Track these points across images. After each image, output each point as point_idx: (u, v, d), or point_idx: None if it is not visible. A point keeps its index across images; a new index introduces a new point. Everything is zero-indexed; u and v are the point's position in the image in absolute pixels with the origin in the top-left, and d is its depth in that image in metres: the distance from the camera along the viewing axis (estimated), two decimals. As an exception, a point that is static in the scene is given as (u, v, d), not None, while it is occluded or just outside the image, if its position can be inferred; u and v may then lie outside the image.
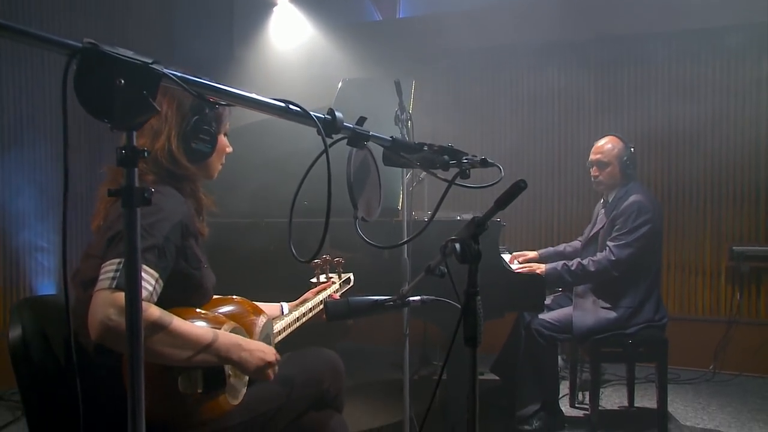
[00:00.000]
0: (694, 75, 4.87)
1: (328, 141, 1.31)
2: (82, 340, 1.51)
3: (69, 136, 1.07)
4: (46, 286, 4.29)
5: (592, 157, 3.65)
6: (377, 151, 1.52)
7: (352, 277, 2.45)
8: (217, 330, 1.55)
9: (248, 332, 1.71)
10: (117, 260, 1.41)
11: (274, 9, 5.77)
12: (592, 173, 3.66)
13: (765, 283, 4.69)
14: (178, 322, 1.44)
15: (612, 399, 4.10)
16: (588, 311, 3.42)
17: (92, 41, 1.04)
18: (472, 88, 5.54)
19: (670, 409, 3.73)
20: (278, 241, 3.27)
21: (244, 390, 1.68)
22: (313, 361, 1.97)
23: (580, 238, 3.99)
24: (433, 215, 1.48)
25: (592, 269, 3.38)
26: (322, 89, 5.04)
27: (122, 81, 1.07)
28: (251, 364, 1.61)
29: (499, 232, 3.32)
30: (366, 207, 1.56)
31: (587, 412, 3.65)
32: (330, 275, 2.36)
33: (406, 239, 2.82)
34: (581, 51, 5.15)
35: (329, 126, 1.30)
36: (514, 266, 3.60)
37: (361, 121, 1.36)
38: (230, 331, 1.61)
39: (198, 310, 1.63)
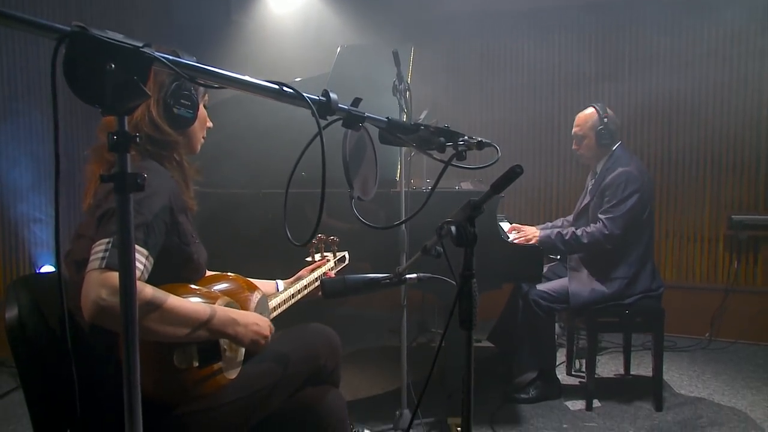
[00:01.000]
0: (695, 43, 4.79)
1: (324, 123, 1.30)
2: (78, 320, 1.51)
3: (62, 103, 1.04)
4: (45, 256, 4.29)
5: (573, 130, 3.65)
6: (373, 128, 1.50)
7: (347, 256, 2.45)
8: (212, 305, 1.56)
9: (243, 308, 1.72)
10: (107, 240, 1.40)
11: (272, -27, 5.67)
12: (573, 146, 3.69)
13: (762, 252, 4.70)
14: (171, 300, 1.44)
15: (608, 367, 4.14)
16: (584, 284, 3.43)
17: (81, 24, 1.02)
18: (471, 54, 5.47)
19: (665, 377, 3.78)
20: (275, 212, 3.26)
21: (240, 365, 1.69)
22: (309, 336, 1.98)
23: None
24: (429, 196, 1.47)
25: (585, 241, 3.38)
26: (319, 54, 4.99)
27: (112, 65, 1.04)
28: (247, 338, 1.62)
29: (498, 203, 3.31)
30: (362, 186, 1.55)
31: (584, 380, 3.70)
32: (325, 254, 2.36)
33: (402, 218, 2.82)
34: (581, 17, 5.06)
35: (324, 108, 1.28)
36: (511, 235, 3.61)
37: (357, 102, 1.34)
38: (224, 306, 1.62)
39: (192, 286, 1.63)
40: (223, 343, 1.61)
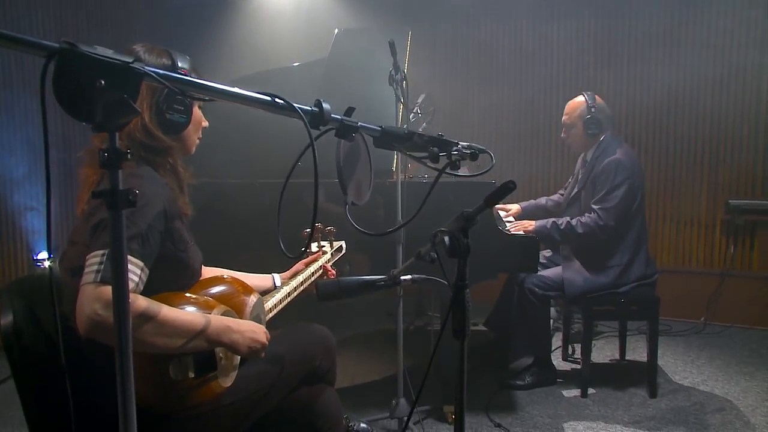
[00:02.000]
0: (694, 31, 4.75)
1: (316, 133, 1.29)
2: (73, 325, 1.51)
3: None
4: (42, 243, 4.29)
5: (562, 118, 3.67)
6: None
7: (344, 245, 2.44)
8: (207, 314, 1.56)
9: (239, 313, 1.72)
10: (101, 252, 1.40)
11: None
12: (562, 134, 3.71)
13: (759, 237, 4.71)
14: (166, 311, 1.44)
15: (604, 352, 4.17)
16: (578, 273, 3.45)
17: (70, 41, 1.00)
18: (469, 37, 5.42)
19: (660, 362, 3.81)
20: (272, 202, 3.26)
21: (236, 372, 1.70)
22: (304, 337, 1.99)
23: (561, 191, 4.00)
24: (423, 202, 1.47)
25: (580, 231, 3.39)
26: (314, 35, 4.96)
27: (102, 82, 1.03)
28: (243, 346, 1.62)
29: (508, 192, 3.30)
30: (356, 190, 1.54)
31: (579, 367, 3.72)
32: (322, 243, 2.35)
33: (398, 225, 2.82)
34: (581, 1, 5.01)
35: (317, 118, 1.27)
36: (507, 223, 3.62)
37: (350, 111, 1.33)
38: (221, 314, 1.62)
39: (187, 294, 1.63)
40: (219, 351, 1.61)
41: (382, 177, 3.15)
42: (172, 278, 1.63)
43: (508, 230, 3.46)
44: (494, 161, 1.46)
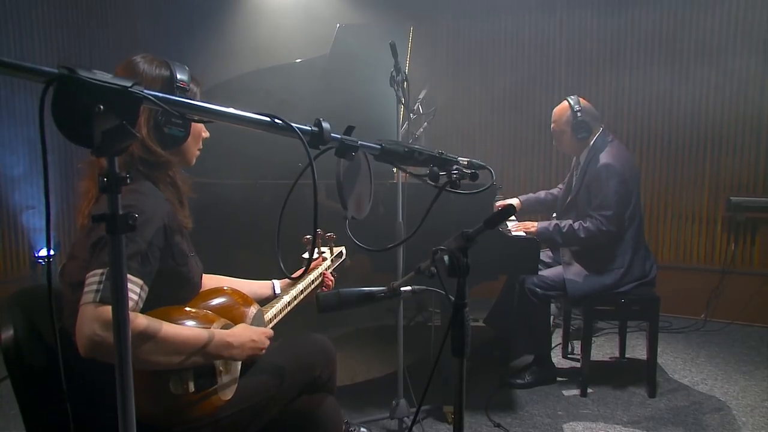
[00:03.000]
0: (698, 26, 4.72)
1: (315, 152, 1.29)
2: (73, 339, 1.52)
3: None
4: (43, 239, 4.30)
5: (551, 126, 3.68)
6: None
7: (344, 251, 2.43)
8: (207, 329, 1.56)
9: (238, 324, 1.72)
10: (100, 271, 1.40)
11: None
12: (554, 142, 3.73)
13: (760, 234, 4.70)
14: (165, 329, 1.45)
15: (604, 349, 4.18)
16: (580, 276, 3.45)
17: (69, 66, 1.00)
18: (471, 30, 5.39)
19: (660, 360, 3.82)
20: (272, 203, 3.26)
21: (236, 385, 1.71)
22: (304, 347, 2.00)
23: (560, 185, 3.99)
24: (423, 219, 1.47)
25: (582, 235, 3.40)
26: (314, 30, 4.93)
27: (101, 107, 1.03)
28: (243, 356, 1.64)
29: (495, 195, 3.30)
30: (356, 204, 1.54)
31: (579, 364, 3.73)
32: (322, 249, 2.34)
33: (399, 241, 2.82)
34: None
35: (316, 138, 1.26)
36: (509, 223, 3.61)
37: (349, 130, 1.32)
38: (221, 328, 1.62)
39: (187, 308, 1.63)
40: (219, 365, 1.62)
41: (384, 178, 3.14)
42: (173, 292, 1.63)
43: (509, 230, 3.47)
44: (494, 178, 1.45)
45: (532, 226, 3.52)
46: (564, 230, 3.43)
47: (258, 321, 1.81)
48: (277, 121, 1.24)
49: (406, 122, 3.65)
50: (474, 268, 1.39)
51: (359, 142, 1.33)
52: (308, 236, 2.22)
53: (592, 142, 3.52)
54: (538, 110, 5.21)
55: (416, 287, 1.79)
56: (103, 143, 1.06)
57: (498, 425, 3.11)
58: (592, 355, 3.61)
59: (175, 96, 1.65)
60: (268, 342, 1.71)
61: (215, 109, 1.19)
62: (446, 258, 1.33)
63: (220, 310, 1.70)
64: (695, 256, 4.92)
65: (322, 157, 1.28)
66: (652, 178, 4.92)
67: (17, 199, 4.17)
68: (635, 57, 4.91)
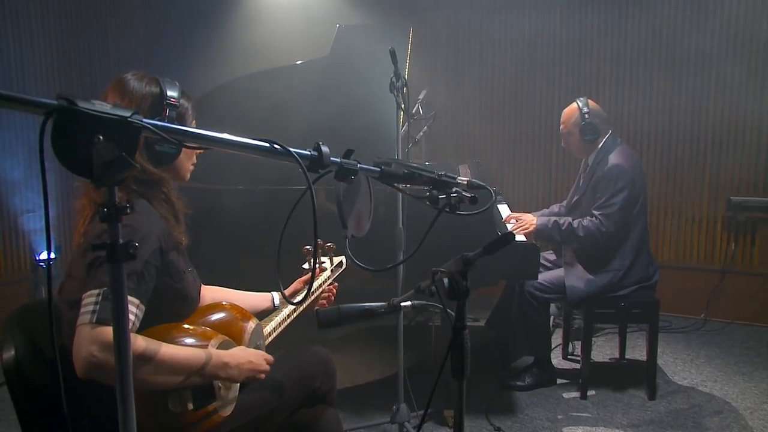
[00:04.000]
0: (699, 26, 4.70)
1: (315, 176, 1.29)
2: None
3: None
4: (43, 243, 4.30)
5: (560, 128, 3.68)
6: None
7: (344, 261, 2.43)
8: (205, 349, 1.56)
9: (237, 341, 1.72)
10: (96, 291, 1.40)
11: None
12: (561, 144, 3.72)
13: (760, 234, 4.70)
14: (164, 351, 1.45)
15: (603, 350, 4.19)
16: (581, 278, 3.45)
17: (68, 98, 1.00)
18: (470, 29, 5.37)
19: (659, 361, 3.83)
20: (272, 209, 3.25)
21: (235, 402, 1.71)
22: (303, 360, 2.00)
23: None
24: (422, 240, 1.47)
25: (581, 234, 3.40)
26: (313, 30, 4.92)
27: (101, 137, 1.03)
28: (241, 377, 1.64)
29: (496, 203, 3.30)
30: (356, 223, 1.55)
31: (579, 366, 3.73)
32: (322, 259, 2.34)
33: (399, 260, 2.82)
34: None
35: (316, 162, 1.26)
36: (509, 225, 3.61)
37: (348, 153, 1.32)
38: (219, 345, 1.63)
39: (185, 325, 1.63)
40: (218, 382, 1.63)
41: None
42: (171, 309, 1.64)
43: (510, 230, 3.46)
44: (494, 198, 1.45)
45: (531, 222, 3.52)
46: (563, 228, 3.44)
47: (257, 335, 1.82)
48: (276, 146, 1.24)
49: (406, 125, 3.64)
50: (473, 272, 1.38)
51: (358, 165, 1.33)
52: (308, 246, 2.22)
53: (600, 145, 3.51)
54: (538, 111, 5.21)
55: (416, 302, 1.80)
56: (103, 174, 1.06)
57: (498, 429, 3.13)
58: (592, 356, 3.62)
59: (168, 113, 1.67)
60: (267, 366, 1.72)
61: (214, 137, 1.19)
62: (446, 281, 1.33)
63: (218, 326, 1.70)
64: (695, 255, 4.92)
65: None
66: (652, 178, 4.90)
67: (17, 203, 4.17)
68: (635, 57, 4.89)
